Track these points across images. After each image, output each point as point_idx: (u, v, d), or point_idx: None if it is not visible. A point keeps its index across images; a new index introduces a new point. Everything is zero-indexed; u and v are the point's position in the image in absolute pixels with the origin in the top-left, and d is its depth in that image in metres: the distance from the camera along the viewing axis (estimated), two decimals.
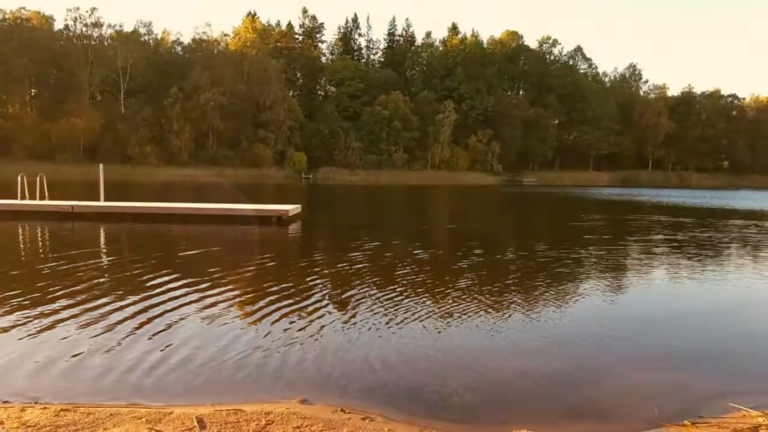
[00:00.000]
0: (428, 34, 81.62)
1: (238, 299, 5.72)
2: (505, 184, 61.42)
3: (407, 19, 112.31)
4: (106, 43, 65.55)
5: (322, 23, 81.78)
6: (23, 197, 14.56)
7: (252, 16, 73.05)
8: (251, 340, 4.40)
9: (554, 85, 76.48)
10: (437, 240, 12.16)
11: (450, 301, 5.85)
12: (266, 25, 74.96)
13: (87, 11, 65.82)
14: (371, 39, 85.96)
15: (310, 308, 5.42)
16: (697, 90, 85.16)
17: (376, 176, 62.54)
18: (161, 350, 4.09)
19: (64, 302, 5.35)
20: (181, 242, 10.11)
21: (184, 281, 6.43)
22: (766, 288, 7.23)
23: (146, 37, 70.45)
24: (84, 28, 65.95)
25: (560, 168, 77.22)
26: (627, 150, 79.13)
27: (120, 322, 4.77)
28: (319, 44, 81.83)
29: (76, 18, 65.51)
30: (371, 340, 4.47)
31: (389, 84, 71.95)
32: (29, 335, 4.36)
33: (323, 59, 79.81)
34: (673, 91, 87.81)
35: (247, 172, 58.88)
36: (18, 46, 57.53)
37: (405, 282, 6.77)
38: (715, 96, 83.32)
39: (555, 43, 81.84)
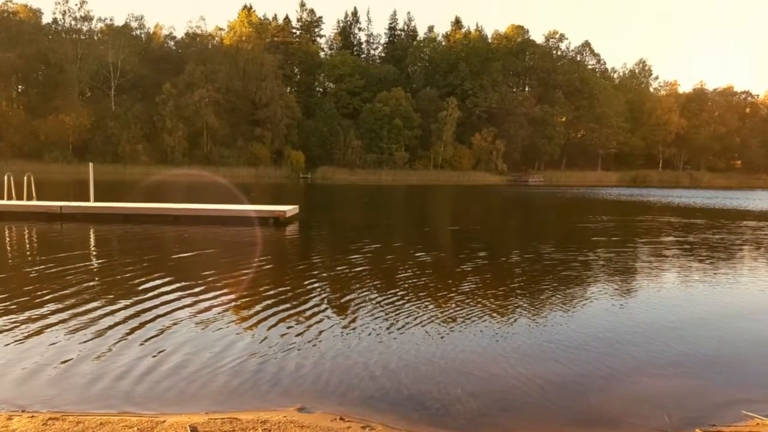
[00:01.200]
0: (430, 29, 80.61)
1: (233, 303, 5.62)
2: (511, 183, 60.85)
3: (409, 12, 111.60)
4: (96, 38, 64.66)
5: (321, 17, 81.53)
6: (10, 197, 14.44)
7: (248, 10, 72.34)
8: (247, 345, 4.31)
9: (561, 81, 74.78)
10: (439, 242, 12.07)
11: (453, 305, 5.77)
12: (262, 18, 74.31)
13: (76, 4, 65.39)
14: (371, 33, 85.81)
15: (308, 313, 5.33)
16: (709, 86, 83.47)
17: (377, 175, 62.07)
18: (153, 356, 4.01)
19: (52, 307, 5.24)
20: (174, 244, 9.99)
21: (178, 285, 6.33)
22: None
23: (138, 32, 69.73)
24: (73, 22, 65.36)
25: (567, 167, 75.77)
26: (636, 149, 77.45)
27: (111, 327, 4.67)
28: (318, 39, 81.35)
29: (65, 11, 64.97)
30: (371, 346, 4.38)
31: (390, 80, 71.31)
32: (16, 341, 4.26)
33: (322, 54, 79.14)
34: (685, 87, 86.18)
35: (244, 171, 58.57)
36: (4, 41, 56.88)
37: (406, 285, 6.68)
38: (727, 93, 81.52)
39: (562, 38, 79.76)
